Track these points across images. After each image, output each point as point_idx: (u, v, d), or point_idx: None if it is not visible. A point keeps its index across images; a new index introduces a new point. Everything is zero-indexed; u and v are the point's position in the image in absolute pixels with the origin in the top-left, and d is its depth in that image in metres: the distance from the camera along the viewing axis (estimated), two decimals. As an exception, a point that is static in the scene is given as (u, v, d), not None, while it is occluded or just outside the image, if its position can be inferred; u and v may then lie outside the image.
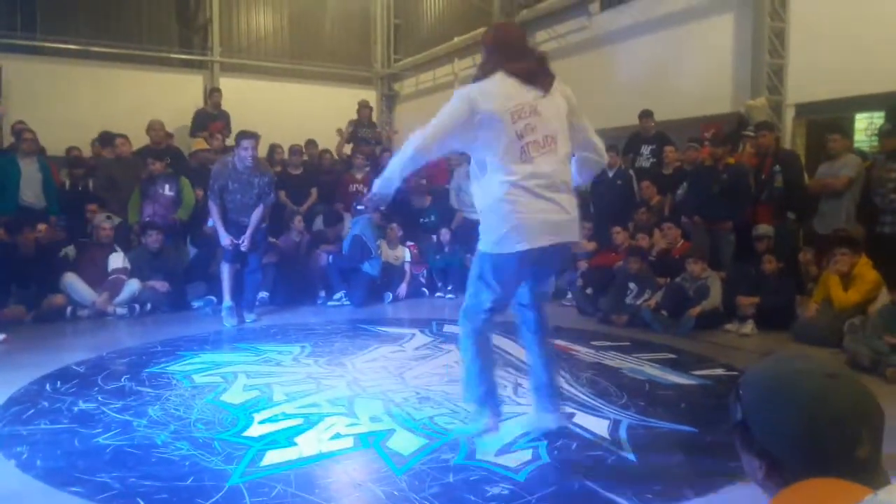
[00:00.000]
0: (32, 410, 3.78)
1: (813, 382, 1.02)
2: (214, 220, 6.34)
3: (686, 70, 8.93)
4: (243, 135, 6.29)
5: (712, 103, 8.62)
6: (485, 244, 3.02)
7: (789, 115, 8.01)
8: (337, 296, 7.49)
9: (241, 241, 6.24)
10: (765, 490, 1.08)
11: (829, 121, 7.36)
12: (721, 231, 6.93)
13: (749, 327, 5.95)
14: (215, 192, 6.23)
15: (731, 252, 6.88)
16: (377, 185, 3.22)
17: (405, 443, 3.32)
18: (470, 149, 3.02)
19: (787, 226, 6.71)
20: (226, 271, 6.38)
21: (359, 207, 7.86)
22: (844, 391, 1.01)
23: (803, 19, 7.76)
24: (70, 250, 6.86)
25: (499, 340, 5.41)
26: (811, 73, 7.66)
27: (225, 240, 6.23)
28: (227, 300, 6.36)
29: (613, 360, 5.02)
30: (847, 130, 7.47)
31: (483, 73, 3.03)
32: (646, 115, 8.32)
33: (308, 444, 3.30)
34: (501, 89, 2.94)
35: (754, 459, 1.07)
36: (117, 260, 6.83)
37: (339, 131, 10.76)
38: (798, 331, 5.71)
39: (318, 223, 8.31)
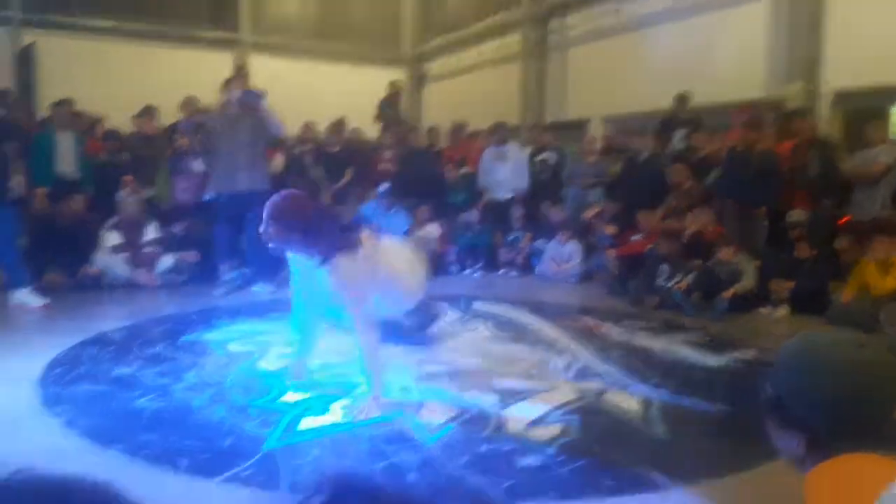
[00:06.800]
0: (74, 373, 3.87)
1: (844, 351, 1.05)
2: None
3: (719, 55, 8.79)
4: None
5: (746, 89, 8.48)
6: None
7: (825, 102, 7.87)
8: None
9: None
10: (802, 468, 1.09)
11: (864, 109, 7.25)
12: (754, 215, 6.84)
13: (783, 311, 5.89)
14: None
15: (764, 237, 6.80)
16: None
17: (436, 414, 3.35)
18: None
19: (822, 210, 6.60)
20: (221, 235, 6.46)
21: (381, 190, 7.93)
22: (875, 358, 1.04)
23: (840, 5, 7.60)
24: (109, 232, 6.87)
25: (527, 318, 5.43)
26: (847, 61, 7.50)
27: None
28: (226, 271, 6.45)
29: (645, 339, 4.97)
30: (885, 119, 7.34)
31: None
32: (681, 98, 8.21)
33: (342, 412, 3.34)
34: None
35: (792, 435, 1.08)
36: (150, 231, 6.92)
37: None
38: (833, 315, 5.62)
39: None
